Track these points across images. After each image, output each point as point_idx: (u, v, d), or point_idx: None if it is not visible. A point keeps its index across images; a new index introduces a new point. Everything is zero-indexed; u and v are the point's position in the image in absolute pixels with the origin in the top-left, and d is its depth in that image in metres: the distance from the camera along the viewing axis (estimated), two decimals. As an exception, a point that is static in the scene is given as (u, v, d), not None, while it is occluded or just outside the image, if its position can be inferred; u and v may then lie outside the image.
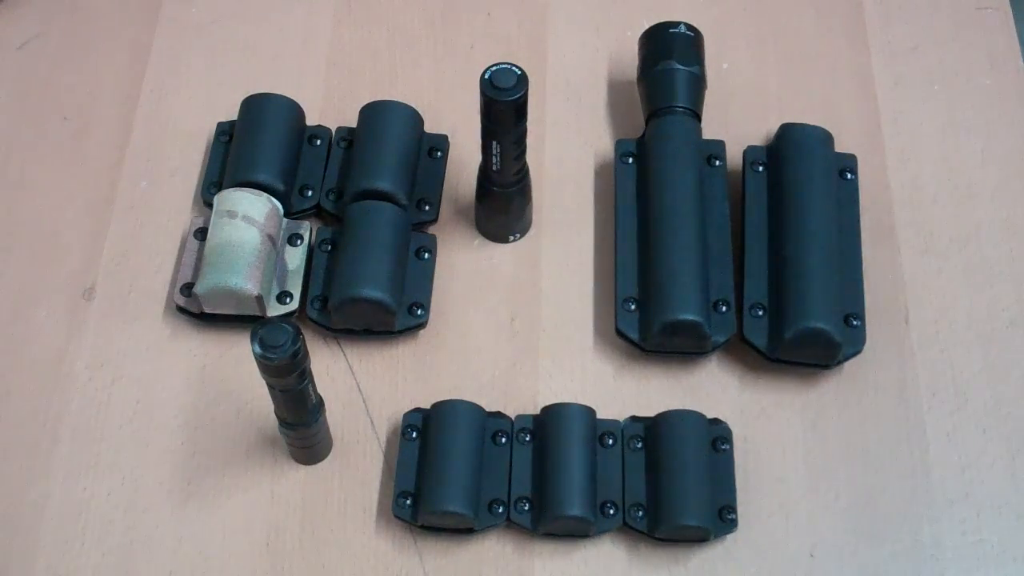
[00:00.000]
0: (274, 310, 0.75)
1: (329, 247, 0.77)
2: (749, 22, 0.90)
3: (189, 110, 0.85)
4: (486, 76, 0.67)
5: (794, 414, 0.74)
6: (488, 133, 0.71)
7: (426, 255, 0.77)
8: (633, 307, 0.75)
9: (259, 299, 0.73)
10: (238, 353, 0.76)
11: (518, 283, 0.79)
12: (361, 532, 0.71)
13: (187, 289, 0.75)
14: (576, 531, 0.69)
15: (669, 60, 0.80)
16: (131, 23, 0.89)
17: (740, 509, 0.70)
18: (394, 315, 0.74)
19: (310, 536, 0.70)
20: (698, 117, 0.80)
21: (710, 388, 0.75)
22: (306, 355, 0.61)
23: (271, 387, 0.63)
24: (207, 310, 0.75)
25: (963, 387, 0.76)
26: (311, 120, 0.83)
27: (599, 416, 0.72)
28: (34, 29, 0.89)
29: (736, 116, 0.85)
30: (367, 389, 0.75)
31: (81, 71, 0.87)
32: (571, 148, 0.84)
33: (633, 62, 0.84)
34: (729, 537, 0.70)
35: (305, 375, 0.62)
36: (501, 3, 0.91)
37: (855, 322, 0.74)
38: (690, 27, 0.82)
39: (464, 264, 0.79)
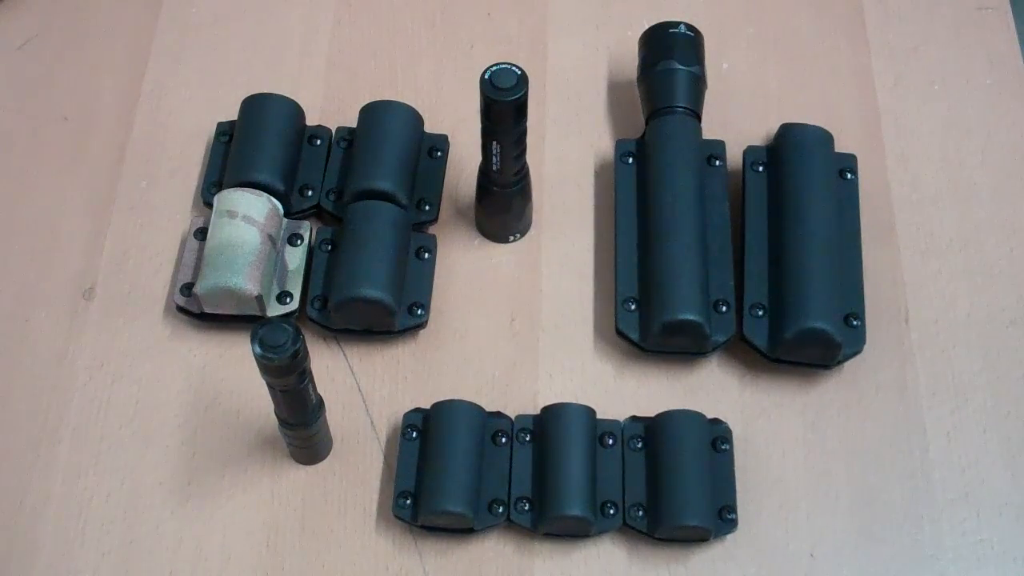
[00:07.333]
0: (274, 310, 0.75)
1: (329, 247, 0.77)
2: (749, 22, 0.90)
3: (189, 110, 0.85)
4: (486, 76, 0.67)
5: (794, 414, 0.75)
6: (488, 133, 0.71)
7: (426, 255, 0.77)
8: (633, 307, 0.75)
9: (259, 299, 0.73)
10: (238, 353, 0.76)
11: (518, 283, 0.79)
12: (361, 532, 0.71)
13: (187, 289, 0.75)
14: (576, 531, 0.69)
15: (669, 60, 0.80)
16: (131, 23, 0.89)
17: (740, 509, 0.70)
18: (394, 315, 0.74)
19: (310, 536, 0.70)
20: (698, 117, 0.80)
21: (710, 388, 0.75)
22: (306, 355, 0.61)
23: (271, 387, 0.63)
24: (207, 310, 0.75)
25: (963, 387, 0.76)
26: (311, 120, 0.83)
27: (599, 416, 0.72)
28: (34, 29, 0.89)
29: (736, 116, 0.85)
30: (367, 389, 0.75)
31: (81, 71, 0.87)
32: (571, 148, 0.84)
33: (633, 62, 0.84)
34: (729, 537, 0.70)
35: (305, 375, 0.62)
36: (501, 3, 0.91)
37: (855, 322, 0.74)
38: (690, 27, 0.82)
39: (464, 264, 0.79)
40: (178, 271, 0.77)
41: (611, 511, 0.69)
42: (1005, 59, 0.89)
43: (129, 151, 0.84)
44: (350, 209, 0.76)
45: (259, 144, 0.78)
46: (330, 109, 0.85)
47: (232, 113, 0.82)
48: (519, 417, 0.72)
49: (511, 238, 0.80)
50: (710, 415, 0.72)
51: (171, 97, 0.86)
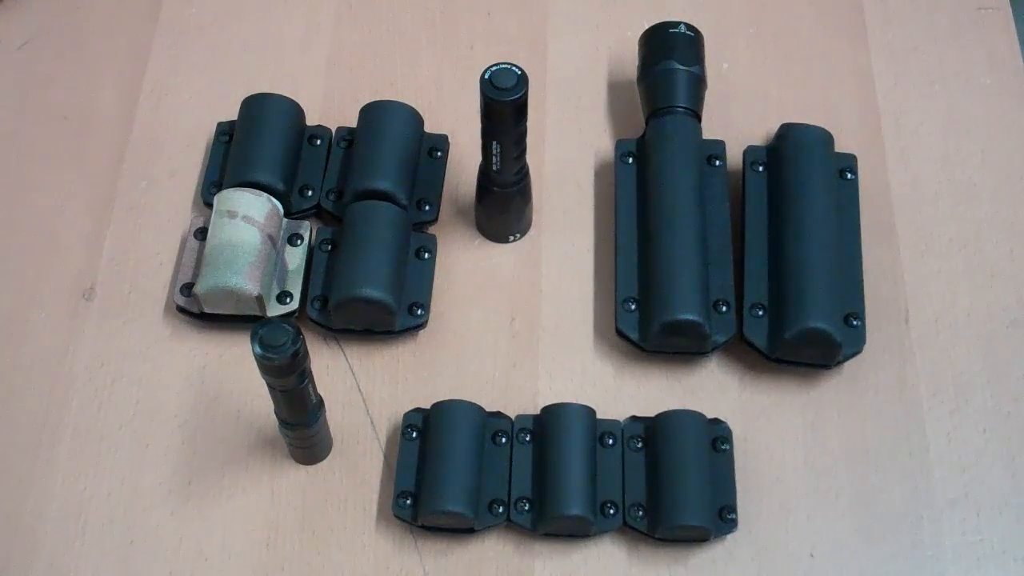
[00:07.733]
0: (274, 310, 0.75)
1: (329, 247, 0.77)
2: (749, 22, 0.90)
3: (189, 110, 0.85)
4: (486, 76, 0.67)
5: (794, 414, 0.75)
6: (488, 133, 0.71)
7: (426, 255, 0.77)
8: (633, 307, 0.75)
9: (259, 299, 0.73)
10: (238, 353, 0.76)
11: (518, 283, 0.79)
12: (361, 532, 0.71)
13: (187, 289, 0.75)
14: (576, 531, 0.69)
15: (669, 60, 0.80)
16: (131, 23, 0.89)
17: (740, 509, 0.70)
18: (394, 315, 0.74)
19: (310, 536, 0.70)
20: (698, 117, 0.80)
21: (710, 388, 0.75)
22: (306, 355, 0.61)
23: (271, 387, 0.63)
24: (207, 310, 0.75)
25: (963, 387, 0.76)
26: (311, 120, 0.83)
27: (599, 416, 0.72)
28: (34, 29, 0.89)
29: (736, 116, 0.85)
30: (367, 389, 0.75)
31: (81, 71, 0.87)
32: (571, 148, 0.84)
33: (633, 62, 0.84)
34: (729, 537, 0.70)
35: (305, 375, 0.62)
36: (501, 3, 0.91)
37: (855, 322, 0.74)
38: (690, 27, 0.82)
39: (464, 264, 0.79)
40: (178, 271, 0.77)
41: (611, 511, 0.69)
42: (1005, 59, 0.89)
43: (129, 151, 0.84)
44: (350, 209, 0.76)
45: (259, 144, 0.78)
46: (330, 109, 0.85)
47: (232, 113, 0.82)
48: (519, 417, 0.72)
49: (511, 238, 0.80)
50: (710, 415, 0.72)
51: (171, 97, 0.86)
